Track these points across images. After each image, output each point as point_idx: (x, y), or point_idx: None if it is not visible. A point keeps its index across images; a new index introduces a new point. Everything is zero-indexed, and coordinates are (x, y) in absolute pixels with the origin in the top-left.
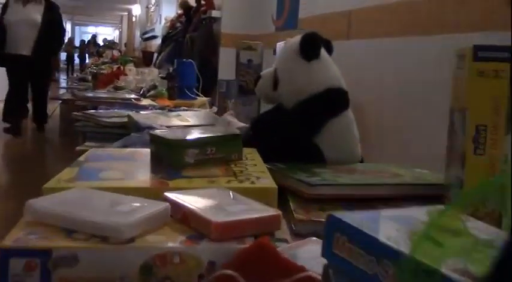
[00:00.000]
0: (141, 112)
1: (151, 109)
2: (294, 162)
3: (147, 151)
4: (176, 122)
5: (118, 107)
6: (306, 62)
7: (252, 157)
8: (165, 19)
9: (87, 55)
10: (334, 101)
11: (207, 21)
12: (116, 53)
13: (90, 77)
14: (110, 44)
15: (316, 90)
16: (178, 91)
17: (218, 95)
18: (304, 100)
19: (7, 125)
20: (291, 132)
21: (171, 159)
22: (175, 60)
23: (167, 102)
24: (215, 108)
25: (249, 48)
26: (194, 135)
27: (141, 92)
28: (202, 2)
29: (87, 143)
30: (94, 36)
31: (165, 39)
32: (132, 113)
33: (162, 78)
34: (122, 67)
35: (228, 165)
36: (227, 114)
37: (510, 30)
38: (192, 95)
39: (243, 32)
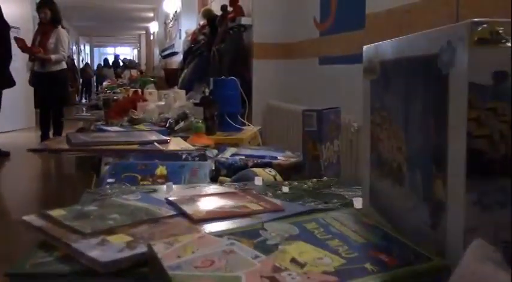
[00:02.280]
0: (174, 187)
1: (188, 159)
2: None
3: None
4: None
5: (134, 159)
6: None
7: None
8: (186, 33)
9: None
10: None
11: (236, 30)
12: (134, 73)
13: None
14: (129, 64)
15: None
16: (219, 121)
17: (303, 135)
18: None
19: None
20: None
21: None
22: (212, 79)
23: (206, 140)
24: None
25: None
26: None
27: (167, 125)
28: (229, 9)
29: None
30: (106, 59)
31: (187, 54)
32: (154, 228)
33: (195, 104)
34: (140, 90)
35: None
36: None
37: None
38: (237, 125)
39: (279, 41)
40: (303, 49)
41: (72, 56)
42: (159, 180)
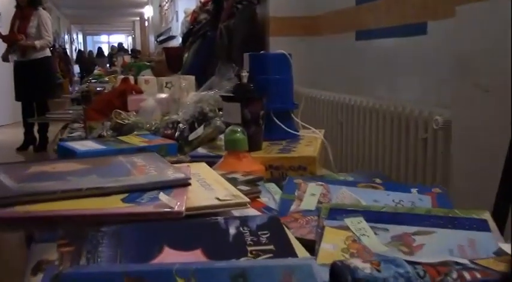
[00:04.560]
0: None
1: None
2: None
3: None
4: None
5: (110, 246)
6: None
7: None
8: (185, 12)
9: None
10: None
11: (247, 3)
12: (127, 58)
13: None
14: (122, 48)
15: None
16: (265, 125)
17: None
18: None
19: None
20: None
21: None
22: (248, 56)
23: (252, 164)
24: None
25: None
26: None
27: (177, 135)
28: None
29: None
30: (99, 48)
31: (187, 36)
32: None
33: (224, 99)
34: (132, 78)
35: None
36: None
37: None
38: (292, 130)
39: (301, 13)
40: (333, 22)
41: (64, 45)
42: None
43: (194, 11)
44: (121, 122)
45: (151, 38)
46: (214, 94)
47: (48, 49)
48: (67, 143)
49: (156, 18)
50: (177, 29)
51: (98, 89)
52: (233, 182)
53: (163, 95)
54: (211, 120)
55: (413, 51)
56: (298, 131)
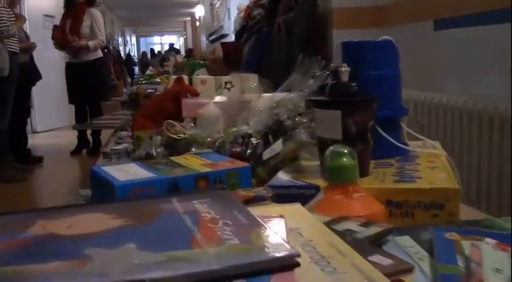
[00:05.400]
0: None
1: None
2: None
3: None
4: None
5: None
6: None
7: None
8: (238, 9)
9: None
10: None
11: None
12: (180, 58)
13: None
14: (173, 48)
15: None
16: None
17: None
18: None
19: None
20: None
21: None
22: (342, 44)
23: (369, 205)
24: None
25: None
26: None
27: (248, 153)
28: None
29: None
30: (152, 49)
31: (240, 33)
32: None
33: (315, 104)
34: (186, 78)
35: None
36: None
37: None
38: (400, 143)
39: (368, 3)
40: (406, 11)
41: (118, 47)
42: None
43: (248, 7)
44: (175, 137)
45: (203, 38)
46: (294, 97)
47: (100, 50)
48: (103, 170)
49: (207, 17)
50: (229, 26)
51: (148, 91)
52: (351, 238)
53: (224, 98)
54: (291, 131)
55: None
56: (408, 145)
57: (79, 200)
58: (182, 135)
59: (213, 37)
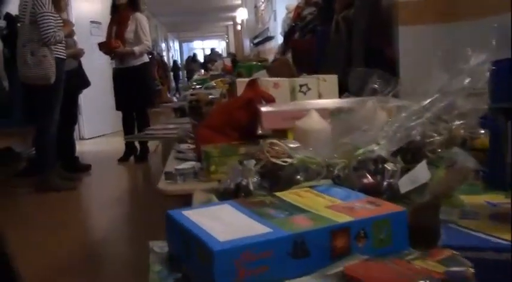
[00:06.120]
0: None
1: None
2: None
3: None
4: None
5: None
6: None
7: None
8: (287, 9)
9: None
10: None
11: None
12: (227, 62)
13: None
14: (215, 53)
15: None
16: None
17: None
18: None
19: None
20: None
21: None
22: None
23: None
24: None
25: None
26: None
27: (385, 186)
28: None
29: None
30: (194, 54)
31: (290, 34)
32: None
33: (493, 113)
34: (259, 79)
35: None
36: None
37: None
38: None
39: None
40: (484, 2)
41: (162, 52)
42: None
43: (298, 6)
44: (279, 162)
45: (246, 41)
46: (438, 105)
47: (146, 55)
48: (186, 218)
49: (251, 21)
50: (275, 29)
51: (210, 97)
52: None
53: (327, 104)
54: (435, 154)
55: None
56: None
57: (152, 266)
58: (289, 160)
59: (257, 40)
